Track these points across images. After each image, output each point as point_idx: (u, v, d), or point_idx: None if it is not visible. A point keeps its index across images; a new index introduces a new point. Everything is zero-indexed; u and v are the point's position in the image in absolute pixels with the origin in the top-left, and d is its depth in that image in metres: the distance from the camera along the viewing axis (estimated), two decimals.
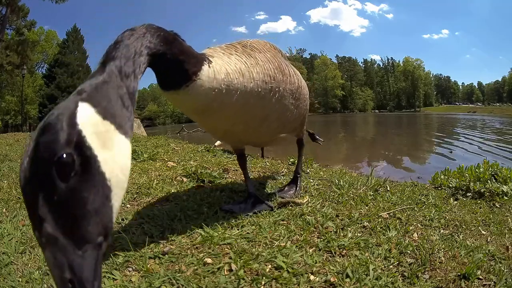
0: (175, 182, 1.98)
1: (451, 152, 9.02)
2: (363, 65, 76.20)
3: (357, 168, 5.75)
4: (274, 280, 0.96)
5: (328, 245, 1.15)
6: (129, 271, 1.02)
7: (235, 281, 0.95)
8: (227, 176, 2.19)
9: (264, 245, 1.15)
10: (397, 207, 1.57)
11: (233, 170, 2.38)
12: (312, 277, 0.97)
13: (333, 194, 1.74)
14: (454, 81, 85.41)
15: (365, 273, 0.99)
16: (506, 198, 1.94)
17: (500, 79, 75.19)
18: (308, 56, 73.21)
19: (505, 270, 1.04)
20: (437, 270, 1.04)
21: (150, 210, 1.47)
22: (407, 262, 1.07)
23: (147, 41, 0.81)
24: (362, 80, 72.96)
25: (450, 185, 2.17)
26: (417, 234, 1.30)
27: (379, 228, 1.31)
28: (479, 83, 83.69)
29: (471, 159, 6.79)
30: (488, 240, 1.31)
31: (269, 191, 1.78)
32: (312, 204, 1.56)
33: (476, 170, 2.33)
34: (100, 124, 0.55)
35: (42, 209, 0.49)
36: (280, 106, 1.35)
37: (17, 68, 21.26)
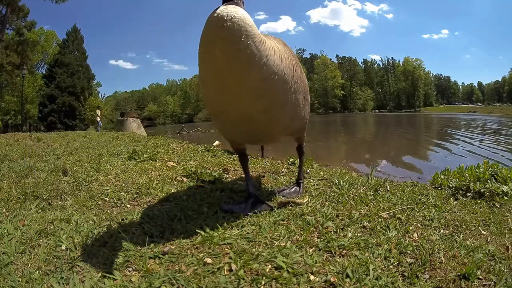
0: (175, 182, 1.98)
1: (451, 152, 9.02)
2: (363, 65, 76.18)
3: (357, 168, 5.74)
4: (274, 280, 0.96)
5: (328, 245, 1.15)
6: (129, 271, 1.02)
7: (235, 281, 0.95)
8: (227, 176, 2.19)
9: (264, 245, 1.15)
10: (397, 207, 1.57)
11: (233, 170, 2.38)
12: (312, 277, 0.97)
13: (333, 194, 1.74)
14: (454, 81, 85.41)
15: (365, 273, 0.99)
16: (506, 198, 1.94)
17: (500, 79, 75.17)
18: (309, 56, 73.25)
19: (505, 270, 1.04)
20: (437, 270, 1.04)
21: (150, 210, 1.47)
22: (407, 262, 1.07)
23: None
24: (362, 80, 72.92)
25: (450, 185, 2.17)
26: (417, 234, 1.30)
27: (379, 228, 1.31)
28: (479, 83, 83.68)
29: (471, 159, 6.80)
30: (488, 240, 1.31)
31: (269, 191, 1.78)
32: (312, 204, 1.56)
33: (476, 170, 2.33)
34: None
35: None
36: (295, 99, 1.37)
37: (17, 68, 21.26)
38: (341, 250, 1.13)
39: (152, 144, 4.21)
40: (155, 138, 5.71)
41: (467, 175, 2.27)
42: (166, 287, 0.94)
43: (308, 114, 1.62)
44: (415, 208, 1.59)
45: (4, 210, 1.53)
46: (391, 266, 1.04)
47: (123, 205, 1.59)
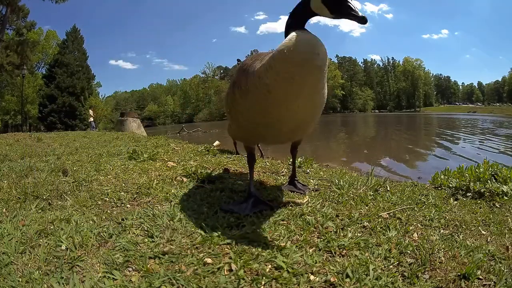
0: (175, 182, 1.98)
1: (451, 152, 9.02)
2: (363, 65, 76.19)
3: (357, 168, 5.74)
4: (274, 280, 0.96)
5: (328, 245, 1.15)
6: (129, 271, 1.02)
7: (235, 281, 0.95)
8: (227, 176, 2.19)
9: (264, 245, 1.15)
10: (397, 207, 1.57)
11: (233, 170, 2.38)
12: (312, 277, 0.97)
13: (333, 194, 1.74)
14: (454, 81, 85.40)
15: (365, 273, 0.99)
16: (506, 198, 1.94)
17: (500, 79, 75.15)
18: None
19: (505, 270, 1.04)
20: (437, 270, 1.04)
21: (150, 210, 1.47)
22: (407, 262, 1.07)
23: None
24: (362, 80, 72.91)
25: (450, 185, 2.17)
26: (417, 234, 1.30)
27: (379, 228, 1.31)
28: (479, 83, 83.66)
29: (472, 159, 6.79)
30: (488, 240, 1.31)
31: (269, 191, 1.78)
32: (312, 204, 1.56)
33: (476, 170, 2.33)
34: None
35: None
36: (321, 95, 1.40)
37: (17, 68, 21.25)
38: (341, 250, 1.13)
39: (152, 144, 4.21)
40: (155, 138, 5.71)
41: (467, 175, 2.27)
42: (166, 287, 0.94)
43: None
44: (415, 208, 1.59)
45: (4, 210, 1.53)
46: (391, 266, 1.05)
47: (123, 205, 1.59)
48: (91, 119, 19.43)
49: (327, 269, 1.01)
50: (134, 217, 1.40)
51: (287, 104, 1.28)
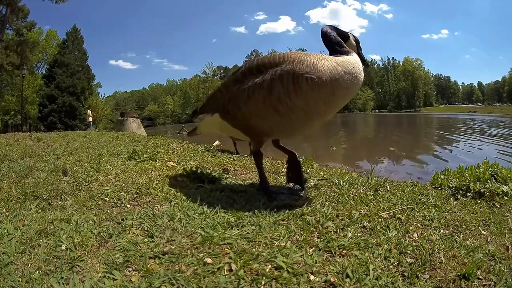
0: (175, 182, 1.98)
1: (451, 152, 9.02)
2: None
3: (357, 168, 5.74)
4: (274, 280, 0.96)
5: (328, 245, 1.15)
6: (129, 271, 1.02)
7: (235, 281, 0.95)
8: (227, 176, 2.19)
9: (264, 245, 1.15)
10: (397, 207, 1.57)
11: (233, 170, 2.38)
12: (312, 277, 0.97)
13: (333, 194, 1.74)
14: (454, 81, 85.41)
15: (365, 273, 0.99)
16: (506, 198, 1.94)
17: (500, 79, 75.16)
18: None
19: (505, 270, 1.04)
20: (437, 270, 1.04)
21: (150, 210, 1.47)
22: (407, 262, 1.07)
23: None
24: None
25: (450, 185, 2.17)
26: (417, 234, 1.30)
27: (379, 228, 1.31)
28: (479, 83, 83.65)
29: (471, 159, 6.79)
30: (488, 240, 1.31)
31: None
32: (312, 204, 1.56)
33: (476, 170, 2.33)
34: None
35: None
36: None
37: (17, 68, 21.26)
38: (341, 250, 1.13)
39: (152, 144, 4.21)
40: (155, 138, 5.71)
41: (467, 175, 2.27)
42: (166, 287, 0.94)
43: None
44: (415, 208, 1.59)
45: (4, 210, 1.53)
46: (391, 266, 1.05)
47: (123, 205, 1.59)
48: (90, 119, 19.40)
49: (327, 269, 1.01)
50: (134, 217, 1.40)
51: (339, 105, 1.60)
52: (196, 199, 1.63)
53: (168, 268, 1.02)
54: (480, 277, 1.01)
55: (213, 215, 1.42)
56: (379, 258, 1.09)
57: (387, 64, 77.12)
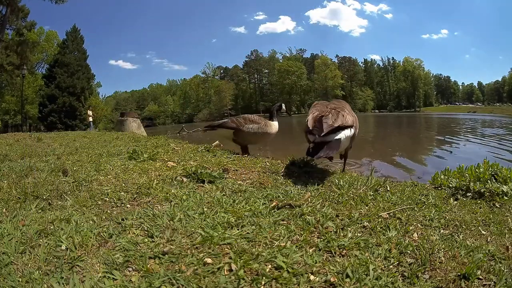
0: (175, 182, 1.98)
1: (451, 152, 9.02)
2: (363, 65, 76.19)
3: (357, 168, 5.74)
4: (274, 280, 0.96)
5: (328, 245, 1.15)
6: (129, 271, 1.02)
7: (235, 281, 0.95)
8: (227, 176, 2.19)
9: (264, 245, 1.15)
10: (397, 207, 1.57)
11: (233, 170, 2.38)
12: (312, 277, 0.97)
13: (333, 194, 1.74)
14: (454, 81, 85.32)
15: (365, 273, 0.99)
16: (506, 198, 1.94)
17: (500, 79, 75.13)
18: (309, 56, 73.24)
19: (505, 270, 1.04)
20: (437, 270, 1.04)
21: (150, 210, 1.47)
22: (407, 262, 1.07)
23: None
24: (362, 80, 72.89)
25: (450, 185, 2.17)
26: (417, 234, 1.30)
27: (379, 228, 1.31)
28: (479, 83, 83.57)
29: (471, 159, 6.78)
30: (488, 240, 1.31)
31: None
32: (312, 204, 1.56)
33: (476, 170, 2.33)
34: None
35: None
36: None
37: (17, 68, 21.26)
38: (341, 250, 1.13)
39: (152, 144, 4.21)
40: (155, 138, 5.71)
41: (467, 175, 2.27)
42: (166, 287, 0.94)
43: None
44: (415, 208, 1.59)
45: (4, 210, 1.53)
46: (391, 266, 1.05)
47: (123, 205, 1.59)
48: (90, 119, 19.39)
49: (327, 269, 1.01)
50: (134, 217, 1.40)
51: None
52: (196, 199, 1.63)
53: (168, 268, 1.02)
54: (480, 277, 1.01)
55: (213, 215, 1.42)
56: (379, 258, 1.09)
57: (387, 64, 77.12)
